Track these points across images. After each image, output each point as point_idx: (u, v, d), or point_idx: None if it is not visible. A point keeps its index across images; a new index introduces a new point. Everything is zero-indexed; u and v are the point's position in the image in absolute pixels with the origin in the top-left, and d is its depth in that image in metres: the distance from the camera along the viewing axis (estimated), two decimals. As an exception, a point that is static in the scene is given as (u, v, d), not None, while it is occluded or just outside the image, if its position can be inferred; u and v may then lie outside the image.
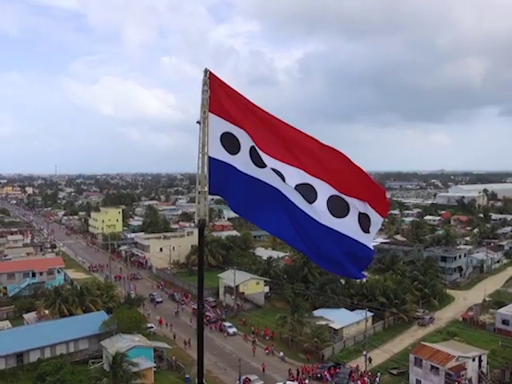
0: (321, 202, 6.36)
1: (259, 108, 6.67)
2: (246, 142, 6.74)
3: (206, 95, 6.73)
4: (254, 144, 6.60)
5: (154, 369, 50.93)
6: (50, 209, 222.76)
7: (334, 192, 6.37)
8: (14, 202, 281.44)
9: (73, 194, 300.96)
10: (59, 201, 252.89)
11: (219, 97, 6.75)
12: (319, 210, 6.36)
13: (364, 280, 76.37)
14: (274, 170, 6.47)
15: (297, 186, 6.39)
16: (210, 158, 6.85)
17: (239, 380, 49.52)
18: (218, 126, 6.82)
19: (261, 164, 6.60)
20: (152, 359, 51.89)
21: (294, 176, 6.42)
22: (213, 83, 6.72)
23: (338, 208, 6.37)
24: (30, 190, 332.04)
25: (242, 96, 6.73)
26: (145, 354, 50.73)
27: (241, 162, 6.85)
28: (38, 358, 52.01)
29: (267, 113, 6.64)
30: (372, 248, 6.43)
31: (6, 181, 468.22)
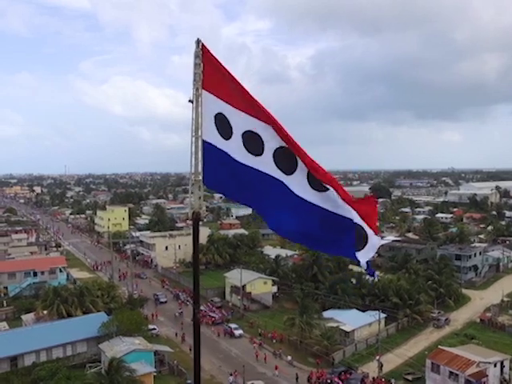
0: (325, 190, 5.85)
1: (251, 95, 6.02)
2: (238, 125, 6.11)
3: (199, 69, 6.09)
4: (252, 127, 5.99)
5: (155, 373, 48.27)
6: (57, 208, 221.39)
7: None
8: (22, 201, 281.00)
9: (81, 193, 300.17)
10: (67, 200, 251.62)
11: (212, 72, 6.10)
12: (321, 198, 5.87)
13: (376, 279, 73.35)
14: (280, 150, 5.91)
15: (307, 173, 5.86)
16: (204, 142, 6.24)
17: None
18: (212, 105, 6.18)
19: (256, 151, 6.03)
20: (152, 363, 49.22)
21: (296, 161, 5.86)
22: (206, 57, 6.07)
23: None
24: (38, 189, 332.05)
25: (233, 76, 6.06)
26: (145, 358, 48.13)
27: (234, 148, 6.19)
28: (32, 361, 49.71)
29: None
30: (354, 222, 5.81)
31: (15, 181, 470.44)
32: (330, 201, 5.83)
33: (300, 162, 5.88)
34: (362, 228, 5.90)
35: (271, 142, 5.95)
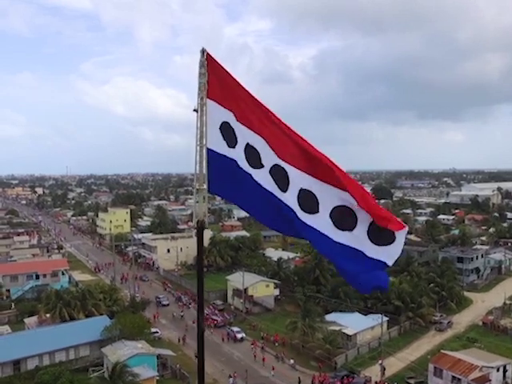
0: (323, 213, 5.75)
1: (258, 100, 6.03)
2: (242, 136, 6.18)
3: (204, 79, 6.10)
4: (252, 141, 6.08)
5: (158, 377, 48.34)
6: (58, 209, 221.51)
7: (342, 202, 5.63)
8: (24, 202, 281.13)
9: (82, 194, 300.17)
10: (68, 201, 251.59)
11: (217, 81, 6.13)
12: (321, 221, 5.77)
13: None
14: (277, 167, 5.94)
15: (300, 190, 5.82)
16: (208, 150, 6.22)
17: None
18: (217, 114, 6.22)
19: (256, 164, 6.09)
20: (155, 367, 49.24)
21: (300, 180, 5.81)
22: (210, 66, 6.08)
23: (344, 220, 5.67)
24: (40, 190, 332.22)
25: (239, 84, 6.09)
26: (147, 362, 48.12)
27: (238, 156, 6.27)
28: (35, 365, 49.65)
29: (267, 107, 6.02)
30: (384, 262, 5.81)
31: (17, 181, 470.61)
32: (319, 224, 5.84)
33: (292, 182, 5.91)
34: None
35: (268, 158, 6.02)
